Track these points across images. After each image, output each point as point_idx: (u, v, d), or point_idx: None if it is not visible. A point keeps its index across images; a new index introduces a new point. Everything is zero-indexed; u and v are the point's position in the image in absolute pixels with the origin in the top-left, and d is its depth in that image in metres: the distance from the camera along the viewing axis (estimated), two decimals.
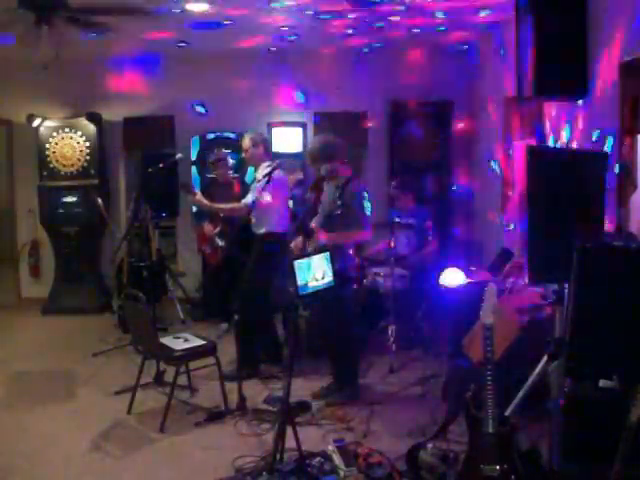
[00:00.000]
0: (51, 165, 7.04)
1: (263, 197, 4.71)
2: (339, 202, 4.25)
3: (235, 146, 6.64)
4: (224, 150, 6.63)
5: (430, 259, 5.77)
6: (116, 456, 3.76)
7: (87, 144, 7.05)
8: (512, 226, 5.53)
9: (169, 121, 7.32)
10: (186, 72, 7.27)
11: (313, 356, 5.14)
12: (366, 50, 7.07)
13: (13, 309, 7.34)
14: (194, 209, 6.82)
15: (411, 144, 7.06)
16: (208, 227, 6.23)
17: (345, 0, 4.91)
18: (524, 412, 3.03)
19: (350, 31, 6.15)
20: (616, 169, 3.50)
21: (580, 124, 4.04)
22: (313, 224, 4.49)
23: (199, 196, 5.11)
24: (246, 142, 5.00)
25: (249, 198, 4.87)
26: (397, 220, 5.57)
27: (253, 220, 4.91)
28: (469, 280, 4.65)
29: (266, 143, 5.09)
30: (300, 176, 6.53)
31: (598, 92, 3.74)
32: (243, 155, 5.19)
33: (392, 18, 5.59)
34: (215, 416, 4.18)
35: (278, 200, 4.85)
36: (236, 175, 6.64)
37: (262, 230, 4.89)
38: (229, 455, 3.59)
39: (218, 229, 6.16)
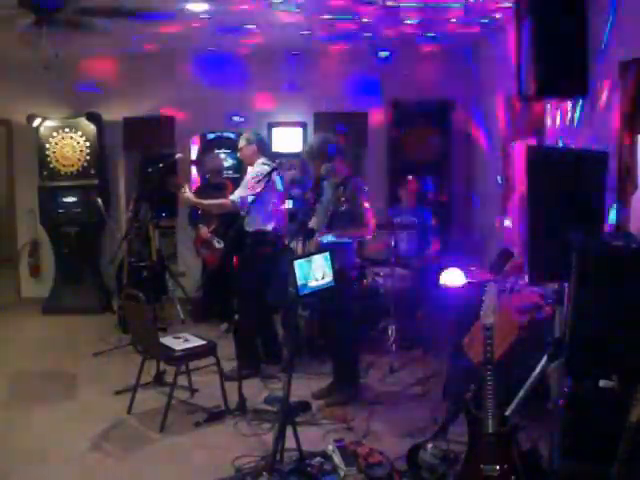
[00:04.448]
0: (51, 165, 7.03)
1: (262, 196, 4.72)
2: (343, 198, 4.30)
3: (235, 146, 6.64)
4: (221, 155, 6.68)
5: (433, 260, 5.78)
6: (116, 456, 3.76)
7: (87, 144, 7.04)
8: (512, 226, 5.53)
9: (169, 121, 7.32)
10: (186, 72, 7.28)
11: (313, 356, 5.14)
12: (366, 50, 7.07)
13: (13, 309, 7.33)
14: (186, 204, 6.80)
15: (411, 144, 7.06)
16: (204, 230, 6.24)
17: None
18: (524, 412, 3.03)
19: (350, 31, 6.15)
20: (616, 169, 3.50)
21: (580, 124, 4.03)
22: (312, 225, 4.48)
23: (187, 193, 5.15)
24: (241, 141, 5.09)
25: (236, 194, 4.88)
26: (398, 220, 5.58)
27: (246, 219, 4.91)
28: (469, 280, 4.65)
29: (260, 141, 5.11)
30: (293, 173, 6.51)
31: (598, 92, 3.74)
32: (238, 154, 5.25)
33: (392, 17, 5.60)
34: (215, 416, 4.18)
35: (272, 198, 4.90)
36: (236, 175, 6.64)
37: (253, 228, 4.91)
38: (229, 455, 3.59)
39: (213, 227, 6.17)
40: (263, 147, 5.14)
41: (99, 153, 7.11)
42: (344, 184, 4.39)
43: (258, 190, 4.67)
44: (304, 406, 4.24)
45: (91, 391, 4.74)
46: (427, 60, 7.23)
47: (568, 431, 2.71)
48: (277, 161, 5.01)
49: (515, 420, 2.88)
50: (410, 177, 6.25)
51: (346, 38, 6.50)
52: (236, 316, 4.67)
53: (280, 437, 3.27)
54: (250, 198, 4.70)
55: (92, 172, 7.06)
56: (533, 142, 4.82)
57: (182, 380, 4.44)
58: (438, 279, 4.94)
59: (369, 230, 4.45)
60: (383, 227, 5.23)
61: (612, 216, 3.46)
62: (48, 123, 7.04)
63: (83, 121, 7.05)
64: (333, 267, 3.52)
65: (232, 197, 4.90)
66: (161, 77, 7.31)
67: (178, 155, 5.80)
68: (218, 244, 6.14)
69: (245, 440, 3.87)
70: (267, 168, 4.75)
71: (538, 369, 2.94)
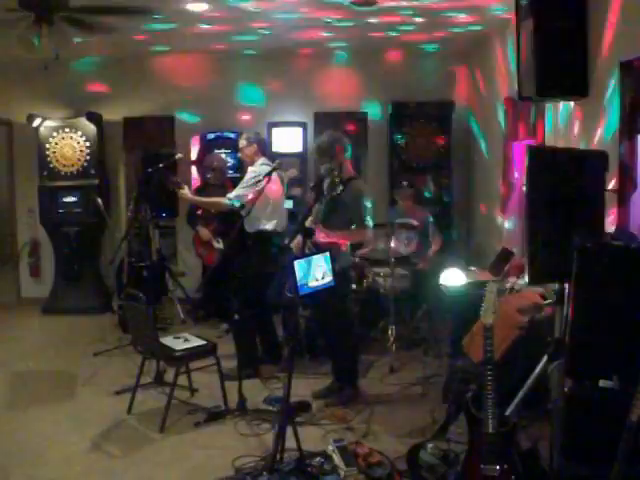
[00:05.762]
0: (51, 165, 7.03)
1: (262, 196, 4.72)
2: (339, 193, 4.29)
3: (235, 146, 6.64)
4: (222, 155, 6.69)
5: (436, 259, 5.79)
6: (116, 456, 3.76)
7: (87, 144, 7.05)
8: (512, 226, 5.53)
9: (169, 121, 7.32)
10: (186, 72, 7.28)
11: (313, 356, 5.14)
12: (366, 50, 7.07)
13: (13, 309, 7.34)
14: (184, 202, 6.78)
15: (411, 145, 7.05)
16: (203, 231, 6.25)
17: None
18: (524, 412, 3.03)
19: (350, 31, 6.15)
20: (616, 169, 3.49)
21: (580, 124, 4.03)
22: (310, 225, 4.47)
23: (185, 190, 5.16)
24: (241, 141, 5.13)
25: (234, 193, 4.89)
26: (397, 220, 5.58)
27: (246, 220, 4.90)
28: (469, 280, 4.65)
29: (260, 142, 5.14)
30: (294, 174, 6.53)
31: (598, 92, 3.74)
32: (239, 154, 5.27)
33: (393, 17, 5.60)
34: (215, 416, 4.18)
35: (272, 198, 4.91)
36: (236, 175, 6.64)
37: (254, 229, 4.91)
38: (229, 455, 3.59)
39: (212, 227, 6.17)
40: (263, 147, 5.16)
41: (99, 153, 7.11)
42: (347, 182, 4.38)
43: (257, 190, 4.67)
44: (304, 406, 4.24)
45: (91, 391, 4.74)
46: (427, 61, 7.23)
47: (568, 431, 2.71)
48: (277, 161, 5.01)
49: (515, 420, 2.88)
50: (405, 183, 6.22)
51: (346, 38, 6.50)
52: (236, 316, 4.67)
53: (280, 437, 3.27)
54: (249, 198, 4.70)
55: (92, 172, 7.06)
56: (533, 142, 4.81)
57: (182, 380, 4.44)
58: (438, 279, 4.95)
59: (365, 234, 4.44)
60: (383, 227, 5.23)
61: (612, 216, 3.46)
62: (48, 123, 7.03)
63: (83, 121, 7.05)
64: (333, 267, 3.52)
65: (229, 195, 4.91)
66: (161, 77, 7.31)
67: (178, 155, 5.80)
68: (217, 244, 6.14)
69: (245, 440, 3.87)
70: (267, 168, 4.76)
71: (538, 369, 2.94)
